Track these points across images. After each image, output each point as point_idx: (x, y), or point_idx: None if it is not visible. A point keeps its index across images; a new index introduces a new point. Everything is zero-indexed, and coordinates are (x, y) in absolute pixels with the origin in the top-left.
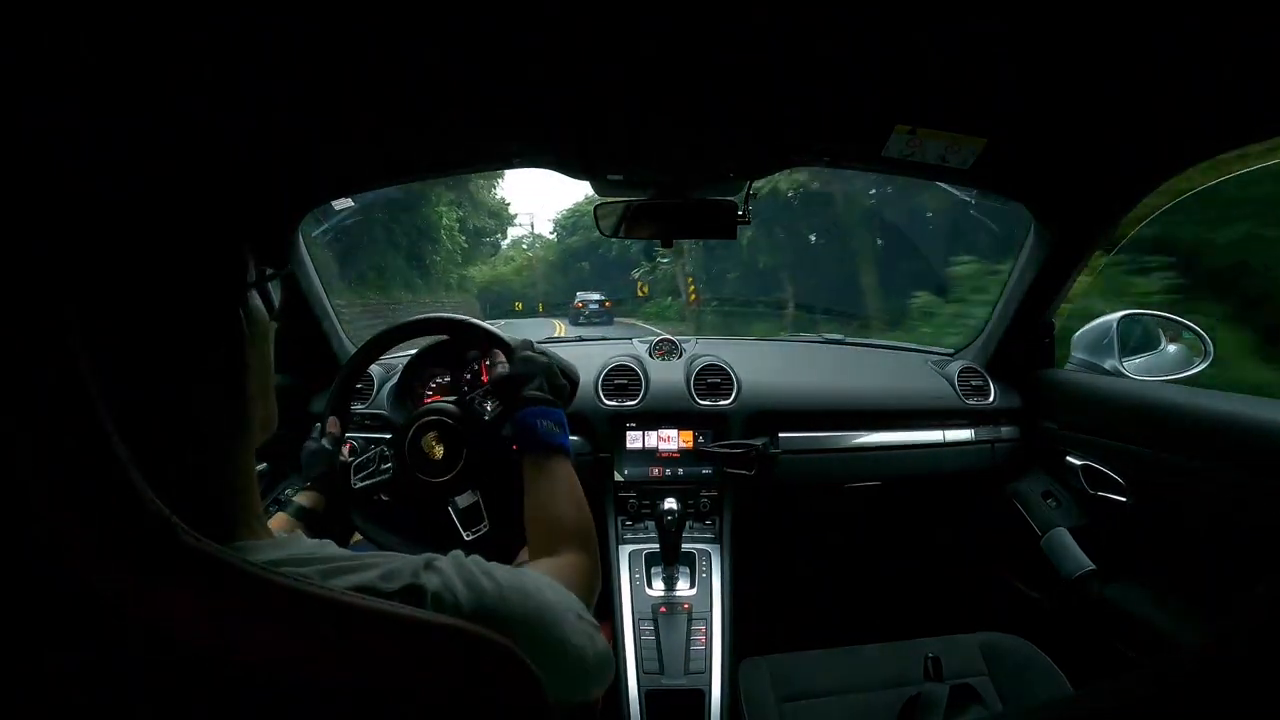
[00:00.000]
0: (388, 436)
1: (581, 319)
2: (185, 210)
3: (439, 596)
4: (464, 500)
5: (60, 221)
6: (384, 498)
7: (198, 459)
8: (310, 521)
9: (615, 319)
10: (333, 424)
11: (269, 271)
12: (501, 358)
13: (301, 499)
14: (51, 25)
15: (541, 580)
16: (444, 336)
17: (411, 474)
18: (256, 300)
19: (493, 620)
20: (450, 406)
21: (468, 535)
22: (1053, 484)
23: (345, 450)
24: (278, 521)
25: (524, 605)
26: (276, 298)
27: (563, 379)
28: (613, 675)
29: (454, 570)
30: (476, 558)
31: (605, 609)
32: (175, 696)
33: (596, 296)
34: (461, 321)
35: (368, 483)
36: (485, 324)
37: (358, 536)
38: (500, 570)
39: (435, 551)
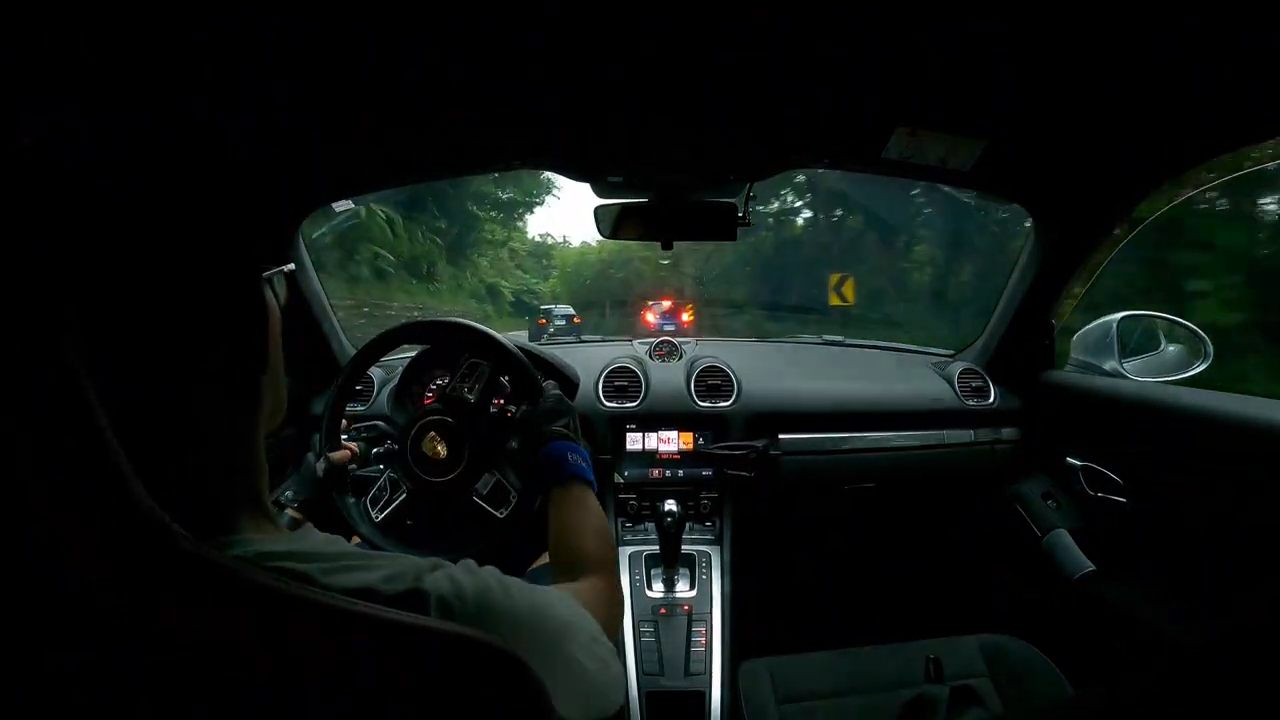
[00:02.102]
0: (393, 447)
1: (545, 337)
2: (189, 210)
3: (444, 601)
4: (484, 485)
5: (60, 221)
6: (409, 522)
7: (198, 457)
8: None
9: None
10: (342, 455)
11: (279, 268)
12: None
13: (292, 511)
14: (51, 25)
15: (557, 596)
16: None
17: (423, 483)
18: (270, 295)
19: (500, 627)
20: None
21: (501, 513)
22: (1053, 485)
23: (345, 455)
24: None
25: (534, 616)
26: (282, 292)
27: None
28: (622, 699)
29: (463, 575)
30: (491, 568)
31: None
32: (174, 697)
33: (565, 310)
34: (492, 340)
35: (387, 512)
36: (512, 345)
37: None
38: (515, 583)
39: (475, 543)
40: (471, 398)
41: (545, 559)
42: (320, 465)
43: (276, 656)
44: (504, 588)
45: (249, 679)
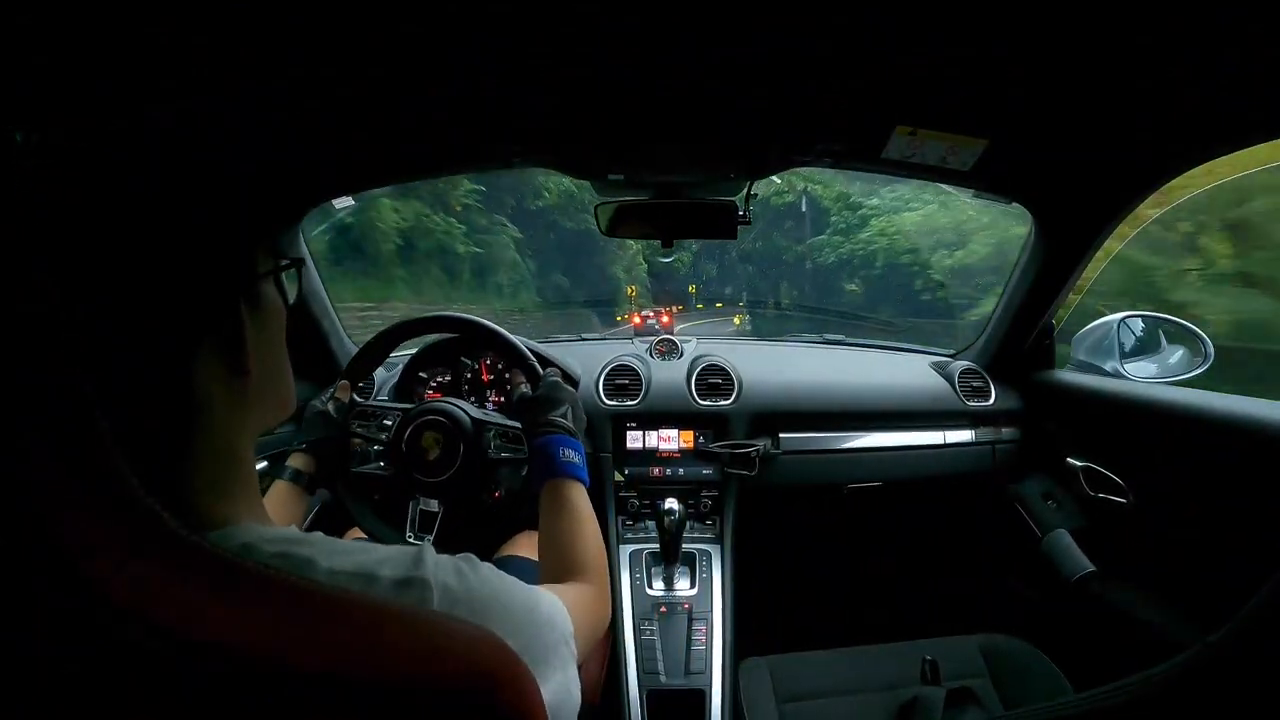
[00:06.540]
0: (393, 443)
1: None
2: (186, 207)
3: (449, 591)
4: (426, 505)
5: (60, 219)
6: (406, 516)
7: (202, 445)
8: (307, 484)
9: None
10: (344, 389)
11: (283, 262)
12: (523, 378)
13: (295, 461)
14: (53, 24)
15: (547, 598)
16: (451, 335)
17: (418, 480)
18: (270, 289)
19: (496, 622)
20: (462, 416)
21: (409, 537)
22: (1053, 486)
23: (346, 387)
24: (277, 492)
25: (529, 618)
26: (292, 288)
27: (584, 414)
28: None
29: (467, 567)
30: (470, 557)
31: None
32: (170, 689)
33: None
34: (492, 332)
35: (366, 467)
36: (516, 339)
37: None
38: (499, 576)
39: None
40: (490, 451)
41: (514, 545)
42: (332, 405)
43: (270, 640)
44: (483, 579)
45: (246, 664)
